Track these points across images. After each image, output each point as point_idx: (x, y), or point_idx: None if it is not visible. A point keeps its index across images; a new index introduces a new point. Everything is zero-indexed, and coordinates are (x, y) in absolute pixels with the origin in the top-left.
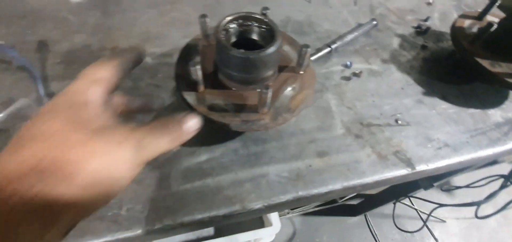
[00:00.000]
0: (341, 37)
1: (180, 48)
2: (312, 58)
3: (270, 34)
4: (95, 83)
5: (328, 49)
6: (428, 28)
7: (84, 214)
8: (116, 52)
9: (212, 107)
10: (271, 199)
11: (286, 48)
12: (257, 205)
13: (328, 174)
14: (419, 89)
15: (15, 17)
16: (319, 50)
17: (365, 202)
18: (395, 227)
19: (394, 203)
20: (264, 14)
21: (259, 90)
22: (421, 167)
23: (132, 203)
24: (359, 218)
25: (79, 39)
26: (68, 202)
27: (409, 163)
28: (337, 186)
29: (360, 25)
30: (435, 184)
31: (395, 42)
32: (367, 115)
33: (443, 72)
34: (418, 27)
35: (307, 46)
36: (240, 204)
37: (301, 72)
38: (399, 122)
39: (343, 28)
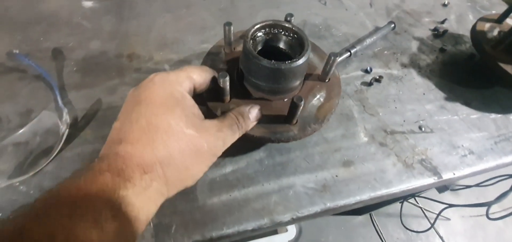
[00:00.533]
0: (360, 41)
1: (197, 54)
2: (339, 59)
3: (297, 42)
4: (189, 80)
5: (347, 54)
6: (445, 31)
7: None
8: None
9: None
10: (299, 211)
11: (310, 55)
12: (286, 217)
13: (355, 184)
14: (440, 94)
15: (28, 24)
16: (339, 54)
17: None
18: (400, 226)
19: (401, 203)
20: (289, 21)
21: (286, 99)
22: (447, 175)
23: (159, 217)
24: (364, 217)
25: (95, 46)
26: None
27: (435, 172)
28: (364, 196)
29: (378, 29)
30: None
31: (414, 45)
32: (390, 122)
33: (463, 76)
34: (435, 29)
35: (335, 54)
36: (268, 217)
37: (327, 80)
38: (423, 129)
39: (360, 31)
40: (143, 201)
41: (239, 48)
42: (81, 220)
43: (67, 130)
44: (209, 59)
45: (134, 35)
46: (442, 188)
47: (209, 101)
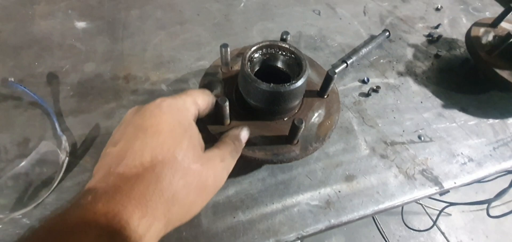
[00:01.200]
0: (355, 51)
1: (194, 72)
2: (335, 75)
3: (295, 62)
4: (194, 105)
5: (344, 65)
6: (440, 36)
7: None
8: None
9: None
10: (304, 230)
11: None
12: (291, 237)
13: (358, 199)
14: (438, 102)
15: (20, 48)
16: (335, 66)
17: None
18: (402, 224)
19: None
20: (284, 40)
21: (286, 118)
22: (448, 184)
23: None
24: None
25: (90, 68)
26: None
27: (436, 181)
28: (368, 211)
29: (373, 37)
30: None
31: (409, 53)
32: (389, 133)
33: (459, 81)
34: (430, 35)
35: (334, 72)
36: (274, 237)
37: (326, 96)
38: (422, 138)
39: (355, 40)
40: None
41: (236, 67)
42: None
43: (67, 158)
44: (207, 79)
45: (129, 55)
46: (445, 191)
47: (208, 124)
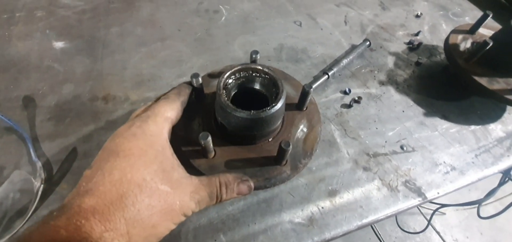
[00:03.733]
0: (337, 62)
1: None
2: (316, 83)
3: (270, 82)
4: (167, 122)
5: (325, 77)
6: (420, 43)
7: None
8: (177, 89)
9: (229, 168)
10: None
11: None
12: None
13: (342, 215)
14: (419, 110)
15: None
16: (316, 78)
17: None
18: (397, 226)
19: None
20: (254, 60)
21: (271, 139)
22: (431, 195)
23: None
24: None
25: (68, 90)
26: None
27: (419, 192)
28: (352, 226)
29: (354, 47)
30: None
31: (390, 61)
32: (372, 144)
33: (440, 88)
34: (410, 43)
35: (309, 86)
36: None
37: (305, 109)
38: (405, 148)
39: (336, 51)
40: None
41: (212, 87)
42: None
43: (42, 186)
44: (185, 109)
45: (109, 75)
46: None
47: (192, 158)
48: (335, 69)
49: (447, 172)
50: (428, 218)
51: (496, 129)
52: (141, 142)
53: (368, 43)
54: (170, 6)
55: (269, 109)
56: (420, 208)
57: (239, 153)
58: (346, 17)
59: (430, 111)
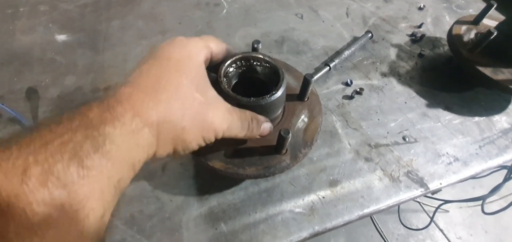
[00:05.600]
0: (338, 53)
1: None
2: (313, 78)
3: (272, 71)
4: (206, 48)
5: (327, 68)
6: (423, 35)
7: None
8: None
9: (227, 158)
10: (288, 239)
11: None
12: None
13: (343, 204)
14: (422, 101)
15: (0, 65)
16: (318, 69)
17: None
18: (400, 223)
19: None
20: (255, 49)
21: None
22: (434, 185)
23: None
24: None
25: (70, 82)
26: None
27: (422, 183)
28: (353, 216)
29: (356, 39)
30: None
31: (392, 53)
32: (374, 135)
33: (443, 80)
34: (413, 35)
35: (311, 75)
36: None
37: (306, 99)
38: (407, 139)
39: (338, 43)
40: (130, 145)
41: (213, 77)
42: (58, 151)
43: None
44: None
45: (110, 67)
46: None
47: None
48: (336, 61)
49: (450, 163)
50: (431, 215)
51: (500, 120)
52: (180, 50)
53: (370, 35)
54: (172, 1)
55: (269, 96)
56: (423, 205)
57: (240, 142)
58: (348, 9)
59: (433, 102)
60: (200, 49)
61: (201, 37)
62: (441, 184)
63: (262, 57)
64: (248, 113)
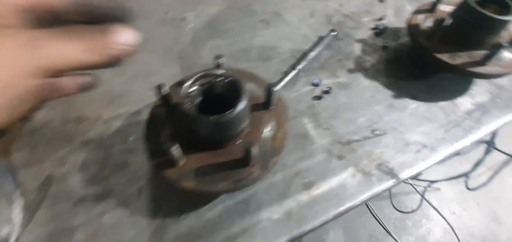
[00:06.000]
0: (304, 55)
1: (148, 104)
2: (281, 84)
3: (232, 85)
4: None
5: (294, 72)
6: (385, 28)
7: None
8: None
9: (198, 177)
10: None
11: (250, 85)
12: None
13: (318, 206)
14: (388, 93)
15: None
16: (286, 74)
17: None
18: (396, 209)
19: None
20: (218, 64)
21: (239, 141)
22: (405, 174)
23: None
24: (360, 207)
25: (39, 116)
26: None
27: (392, 174)
28: (329, 215)
29: (320, 39)
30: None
31: (357, 48)
32: (344, 132)
33: (408, 69)
34: (375, 28)
35: (272, 84)
36: None
37: (272, 107)
38: (376, 132)
39: (304, 45)
40: None
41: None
42: None
43: (22, 215)
44: (151, 122)
45: (79, 96)
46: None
47: (163, 168)
48: (303, 63)
49: (419, 151)
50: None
51: (464, 102)
52: None
53: (334, 33)
54: (137, 19)
55: (229, 113)
56: (415, 186)
57: (209, 159)
58: (312, 10)
59: (399, 93)
60: None
61: None
62: (411, 172)
63: (221, 72)
64: (75, 28)
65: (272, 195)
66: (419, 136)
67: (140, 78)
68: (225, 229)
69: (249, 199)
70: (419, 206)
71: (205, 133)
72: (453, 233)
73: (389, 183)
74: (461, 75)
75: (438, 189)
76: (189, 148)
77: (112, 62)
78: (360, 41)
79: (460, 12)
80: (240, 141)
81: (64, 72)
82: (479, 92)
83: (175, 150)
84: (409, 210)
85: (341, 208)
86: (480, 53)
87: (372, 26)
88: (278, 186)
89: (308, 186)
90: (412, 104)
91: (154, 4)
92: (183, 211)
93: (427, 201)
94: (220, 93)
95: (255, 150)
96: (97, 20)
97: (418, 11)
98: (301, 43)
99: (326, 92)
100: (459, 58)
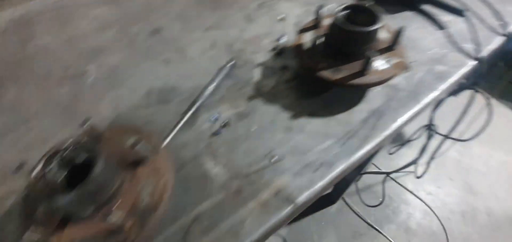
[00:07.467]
0: (202, 91)
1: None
2: (178, 126)
3: (93, 152)
4: None
5: (191, 111)
6: (283, 47)
7: None
8: None
9: None
10: None
11: (132, 140)
12: None
13: None
14: (287, 115)
15: None
16: (184, 114)
17: (336, 186)
18: (375, 198)
19: (356, 181)
20: (86, 131)
21: (116, 206)
22: (302, 198)
23: None
24: (339, 204)
25: None
26: None
27: (290, 199)
28: None
29: (219, 70)
30: (361, 172)
31: (256, 73)
32: (243, 165)
33: (305, 87)
34: (274, 49)
35: (139, 141)
36: None
37: (150, 161)
38: (273, 160)
39: (205, 79)
40: None
41: None
42: None
43: None
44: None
45: None
46: (358, 178)
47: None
48: (201, 100)
49: (316, 170)
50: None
51: (359, 110)
52: None
53: (233, 62)
54: (36, 81)
55: (80, 187)
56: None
57: (83, 231)
58: (213, 41)
59: (298, 112)
60: None
61: None
62: (309, 195)
63: (77, 144)
64: None
65: None
66: (316, 154)
67: (36, 147)
68: None
69: None
70: (382, 201)
71: (72, 208)
72: (433, 213)
73: (287, 210)
74: (345, 89)
75: (411, 172)
76: (62, 223)
77: None
78: (260, 65)
79: (332, 30)
80: (116, 204)
81: None
82: (374, 96)
83: (31, 235)
84: (377, 202)
85: None
86: (359, 63)
87: (271, 48)
88: (175, 237)
89: (207, 230)
90: (310, 123)
91: (54, 63)
92: None
93: (401, 185)
94: (85, 162)
95: (120, 218)
96: None
97: (303, 30)
98: (201, 78)
99: (224, 125)
100: (340, 73)
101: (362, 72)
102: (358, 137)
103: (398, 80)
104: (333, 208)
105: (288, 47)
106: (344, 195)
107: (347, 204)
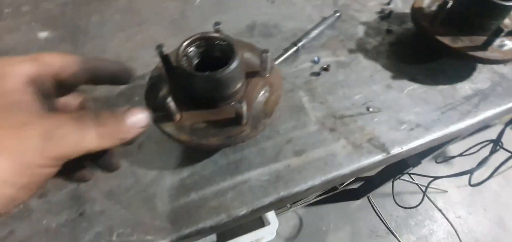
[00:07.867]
0: (306, 33)
1: (152, 69)
2: (280, 59)
3: (229, 48)
4: (31, 61)
5: (294, 48)
6: (391, 12)
7: None
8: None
9: (193, 132)
10: (254, 204)
11: (248, 55)
12: (242, 211)
13: (307, 171)
14: (387, 74)
15: None
16: (286, 50)
17: (365, 184)
18: (398, 204)
19: (392, 182)
20: (217, 30)
21: (233, 102)
22: (395, 150)
23: (122, 228)
24: (362, 201)
25: None
26: None
27: (383, 148)
28: (316, 181)
29: (324, 19)
30: (422, 161)
31: (360, 30)
32: (339, 107)
33: (410, 53)
34: (381, 11)
35: (266, 51)
36: (225, 213)
37: (267, 75)
38: (371, 109)
39: (307, 25)
40: None
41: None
42: None
43: None
44: (152, 82)
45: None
46: (417, 162)
47: (160, 122)
48: (304, 41)
49: (412, 129)
50: (429, 196)
51: (464, 87)
52: None
53: (338, 14)
54: None
55: (223, 70)
56: (420, 186)
57: (203, 116)
58: None
59: (398, 74)
60: (17, 64)
61: (33, 55)
62: (402, 148)
63: (217, 35)
64: (89, 114)
65: (263, 159)
66: (414, 115)
67: (147, 46)
68: (216, 184)
69: (241, 161)
70: (421, 201)
71: (200, 90)
72: (456, 236)
73: (379, 156)
74: (461, 59)
75: (445, 191)
76: (185, 105)
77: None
78: (364, 23)
79: None
80: (233, 102)
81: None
82: (480, 79)
83: (170, 102)
84: (414, 210)
85: (329, 175)
86: (481, 38)
87: (378, 10)
88: (269, 151)
89: (298, 153)
90: (410, 86)
91: None
92: (178, 166)
93: (431, 201)
94: (216, 56)
95: (246, 110)
96: (102, 82)
97: None
98: (304, 23)
99: (325, 69)
100: (460, 42)
101: (483, 47)
102: (459, 111)
103: (507, 70)
104: (355, 204)
105: (396, 13)
106: (371, 194)
107: (371, 203)
